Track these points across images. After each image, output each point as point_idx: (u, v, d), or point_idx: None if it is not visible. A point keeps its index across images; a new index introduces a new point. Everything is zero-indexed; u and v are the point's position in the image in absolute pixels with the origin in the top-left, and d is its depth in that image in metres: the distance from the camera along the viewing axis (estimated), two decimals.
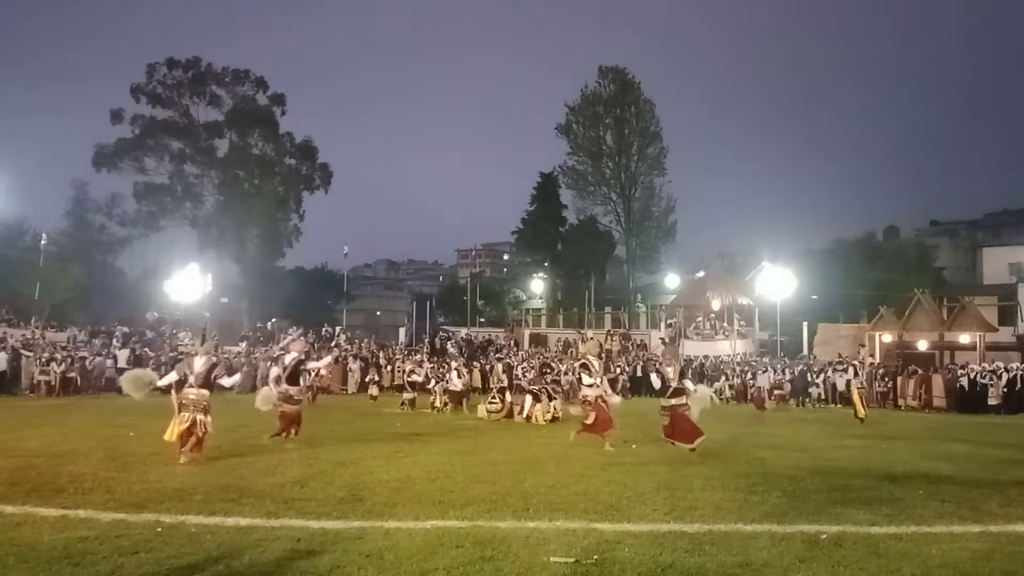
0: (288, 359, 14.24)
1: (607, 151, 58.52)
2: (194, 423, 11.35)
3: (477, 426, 18.27)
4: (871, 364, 32.70)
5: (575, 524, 7.54)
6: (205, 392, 11.74)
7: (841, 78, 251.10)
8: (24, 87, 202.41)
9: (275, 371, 14.43)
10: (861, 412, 21.71)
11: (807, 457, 13.10)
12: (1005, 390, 27.85)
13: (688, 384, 13.16)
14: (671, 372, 13.01)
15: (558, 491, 9.27)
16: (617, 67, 58.94)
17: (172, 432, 11.37)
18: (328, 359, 16.99)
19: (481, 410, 20.73)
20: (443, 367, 27.18)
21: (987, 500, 9.19)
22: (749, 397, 28.99)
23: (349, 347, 36.89)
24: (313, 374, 28.47)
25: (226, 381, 14.19)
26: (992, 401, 27.88)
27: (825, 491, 9.60)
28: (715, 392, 17.37)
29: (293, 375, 13.78)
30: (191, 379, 11.73)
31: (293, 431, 13.39)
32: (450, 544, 6.72)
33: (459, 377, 23.74)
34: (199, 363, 11.83)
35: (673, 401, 12.68)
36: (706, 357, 36.23)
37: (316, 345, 36.09)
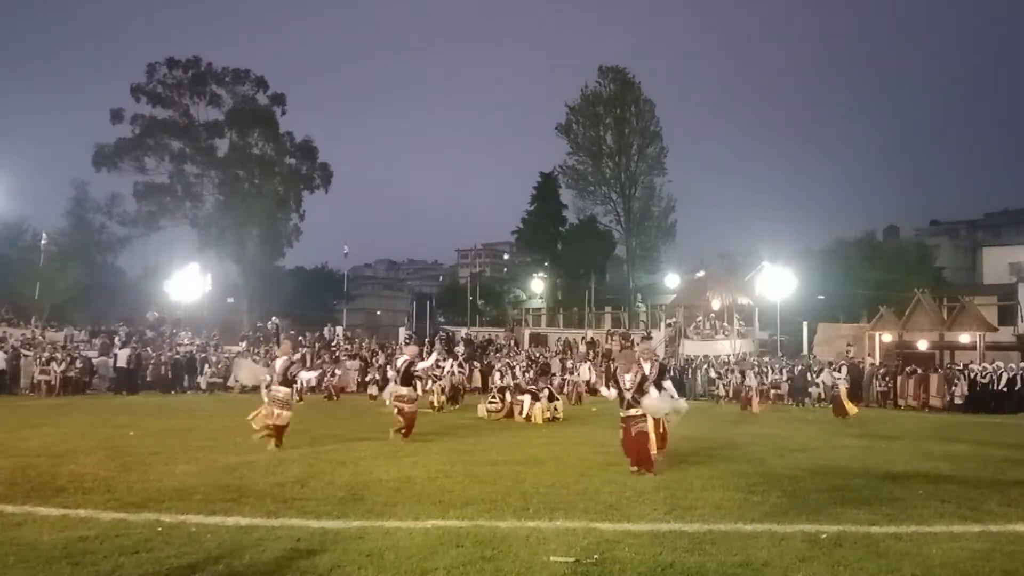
0: (400, 362, 15.08)
1: (607, 151, 58.53)
2: (272, 415, 12.87)
3: (477, 426, 18.27)
4: (871, 364, 32.67)
5: (575, 524, 7.55)
6: (285, 389, 13.09)
7: (841, 78, 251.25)
8: (24, 87, 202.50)
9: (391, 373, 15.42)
10: (852, 411, 21.86)
11: (807, 457, 13.11)
12: (1005, 389, 27.87)
13: (652, 392, 10.94)
14: (628, 380, 10.96)
15: (558, 491, 9.28)
16: (617, 67, 59.01)
17: (257, 418, 13.06)
18: (434, 357, 17.37)
19: (481, 410, 20.72)
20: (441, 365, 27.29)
21: (987, 500, 9.20)
22: (738, 397, 28.89)
23: (349, 347, 36.90)
24: (329, 374, 28.52)
25: (303, 375, 14.98)
26: (957, 400, 28.23)
27: (825, 491, 9.61)
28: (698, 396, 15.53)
29: (406, 377, 14.53)
30: (274, 378, 13.20)
31: (403, 432, 14.26)
32: (450, 544, 6.73)
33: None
34: (279, 363, 13.31)
35: (631, 412, 10.83)
36: (706, 357, 36.23)
37: (317, 346, 36.13)
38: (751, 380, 27.97)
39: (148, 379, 30.15)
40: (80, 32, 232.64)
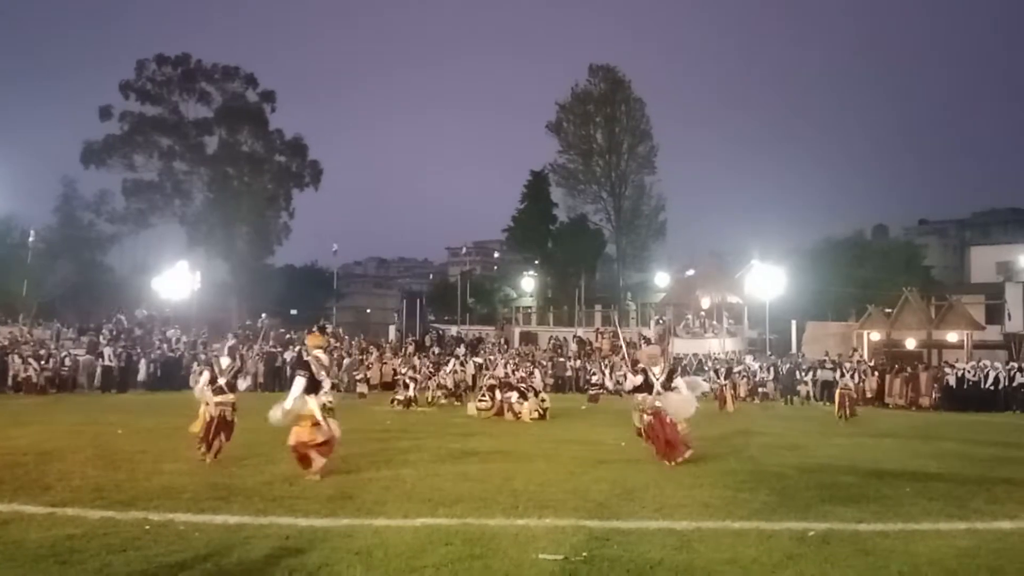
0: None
1: (597, 149, 58.67)
2: None
3: (467, 424, 18.27)
4: (859, 362, 32.78)
5: (564, 522, 7.57)
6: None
7: (830, 78, 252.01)
8: (12, 83, 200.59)
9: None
10: (837, 413, 22.10)
11: (796, 455, 13.17)
12: (992, 387, 28.06)
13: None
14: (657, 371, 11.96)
15: (547, 489, 9.30)
16: (608, 65, 59.18)
17: None
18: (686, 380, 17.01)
19: (471, 408, 20.73)
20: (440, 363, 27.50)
21: (974, 497, 9.26)
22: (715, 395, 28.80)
23: (339, 344, 36.82)
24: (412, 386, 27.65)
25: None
26: (923, 401, 28.69)
27: (813, 489, 9.65)
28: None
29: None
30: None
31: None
32: (439, 542, 6.74)
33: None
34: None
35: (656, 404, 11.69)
36: (695, 355, 36.32)
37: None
38: (724, 379, 27.76)
39: (137, 377, 30.04)
40: (69, 28, 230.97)
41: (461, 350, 35.72)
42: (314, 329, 12.09)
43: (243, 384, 12.14)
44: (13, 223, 48.13)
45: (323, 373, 10.29)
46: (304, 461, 9.94)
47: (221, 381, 11.29)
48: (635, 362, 13.06)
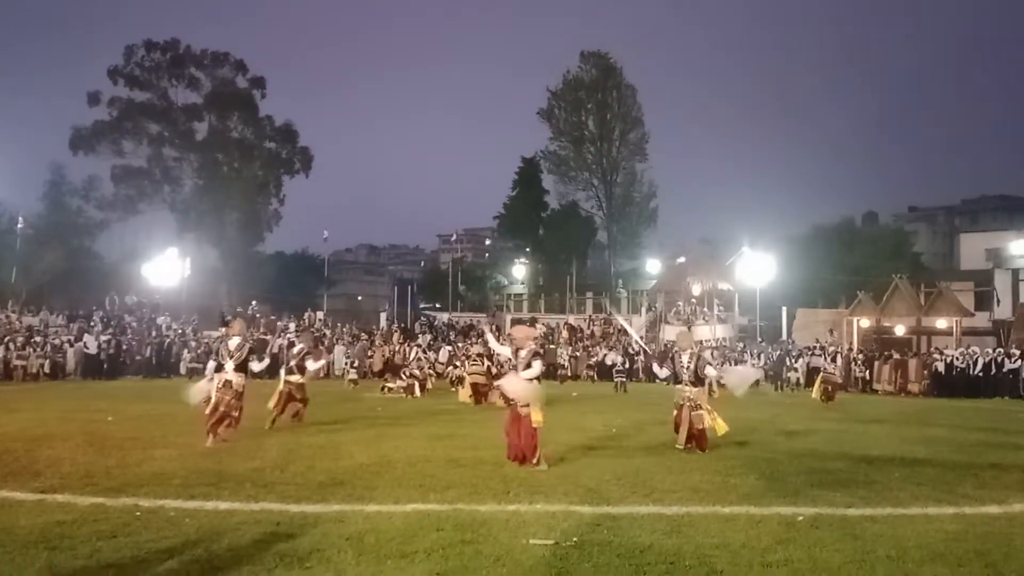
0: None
1: (589, 136, 58.61)
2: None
3: (458, 411, 18.28)
4: (849, 349, 32.94)
5: (555, 507, 7.58)
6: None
7: (820, 65, 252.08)
8: None
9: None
10: (815, 395, 22.22)
11: (785, 440, 13.23)
12: (980, 373, 28.21)
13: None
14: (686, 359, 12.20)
15: (538, 475, 9.31)
16: (599, 52, 59.08)
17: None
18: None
19: (462, 395, 20.68)
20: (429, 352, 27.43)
21: (962, 482, 9.32)
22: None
23: (328, 332, 36.79)
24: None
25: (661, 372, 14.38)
26: (912, 387, 28.93)
27: (802, 474, 9.70)
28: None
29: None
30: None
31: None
32: (430, 527, 6.74)
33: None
34: (686, 358, 12.51)
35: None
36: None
37: (297, 330, 35.97)
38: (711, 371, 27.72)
39: (127, 364, 29.96)
40: (57, 13, 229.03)
41: (426, 337, 35.81)
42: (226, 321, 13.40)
43: (314, 366, 14.47)
44: (1, 209, 47.87)
45: (226, 357, 11.85)
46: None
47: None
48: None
